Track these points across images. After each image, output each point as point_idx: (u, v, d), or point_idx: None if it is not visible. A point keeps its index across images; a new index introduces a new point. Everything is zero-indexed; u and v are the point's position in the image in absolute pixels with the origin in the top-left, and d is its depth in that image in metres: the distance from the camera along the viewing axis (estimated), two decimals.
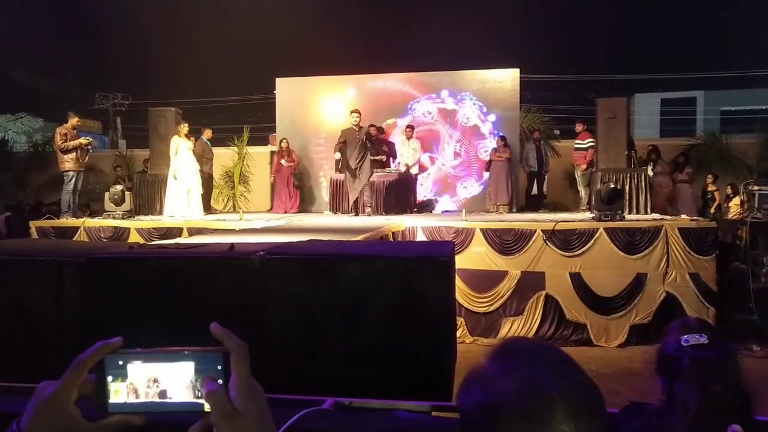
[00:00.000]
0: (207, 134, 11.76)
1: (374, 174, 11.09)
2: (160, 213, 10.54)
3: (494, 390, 0.73)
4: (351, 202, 10.10)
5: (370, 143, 9.95)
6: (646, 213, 9.75)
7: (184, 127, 10.25)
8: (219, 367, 0.68)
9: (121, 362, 0.68)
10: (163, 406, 0.68)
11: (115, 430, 0.69)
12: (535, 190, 12.03)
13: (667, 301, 7.63)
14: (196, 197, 10.15)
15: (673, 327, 1.58)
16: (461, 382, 0.81)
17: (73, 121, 9.61)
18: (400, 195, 10.91)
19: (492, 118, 13.11)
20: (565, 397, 0.71)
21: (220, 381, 0.67)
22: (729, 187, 12.50)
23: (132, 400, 0.68)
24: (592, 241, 7.76)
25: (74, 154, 9.38)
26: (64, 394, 0.67)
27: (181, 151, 10.08)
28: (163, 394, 0.67)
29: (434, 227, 8.15)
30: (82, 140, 9.52)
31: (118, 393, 0.68)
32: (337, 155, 10.14)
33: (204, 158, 11.13)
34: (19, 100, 25.42)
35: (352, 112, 10.21)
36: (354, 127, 9.86)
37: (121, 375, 0.68)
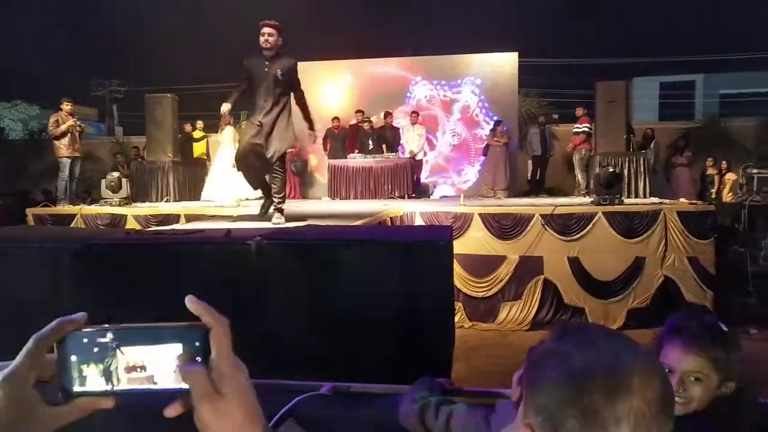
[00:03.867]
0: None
1: (373, 159, 11.08)
2: (158, 200, 10.53)
3: (575, 364, 0.74)
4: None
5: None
6: (644, 197, 9.74)
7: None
8: (197, 344, 0.61)
9: (86, 340, 0.61)
10: (143, 393, 0.61)
11: (80, 414, 0.62)
12: (538, 175, 12.01)
13: (666, 285, 7.64)
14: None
15: (678, 313, 1.54)
16: (529, 361, 0.81)
17: (67, 107, 9.53)
18: (397, 180, 10.89)
19: (489, 103, 13.05)
20: (640, 366, 0.73)
21: (199, 359, 0.60)
22: (724, 162, 12.50)
23: (107, 387, 0.61)
24: (591, 225, 7.75)
25: (67, 140, 9.34)
26: (19, 376, 0.59)
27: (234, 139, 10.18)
28: (149, 379, 0.61)
29: (432, 212, 8.13)
30: (70, 122, 9.43)
31: (86, 377, 0.61)
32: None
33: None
34: (14, 88, 25.25)
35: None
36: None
37: (93, 356, 0.60)
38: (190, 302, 0.62)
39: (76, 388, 0.61)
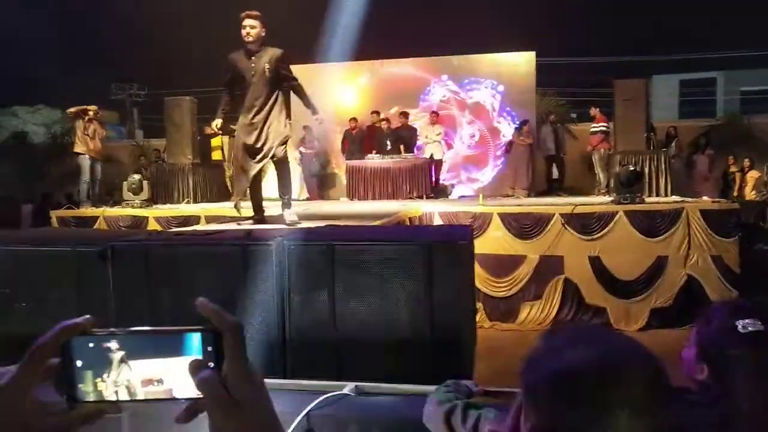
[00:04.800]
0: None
1: (391, 159, 11.08)
2: (178, 201, 10.63)
3: (568, 360, 0.74)
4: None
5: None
6: (666, 195, 9.62)
7: None
8: (209, 349, 0.58)
9: (92, 345, 0.57)
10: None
11: (85, 422, 0.58)
12: (555, 174, 11.93)
13: (689, 284, 7.54)
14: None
15: (719, 310, 1.42)
16: (524, 364, 0.80)
17: (91, 112, 9.71)
18: (415, 180, 10.87)
19: (507, 102, 12.99)
20: (632, 356, 0.74)
21: (212, 364, 0.57)
22: (746, 160, 12.32)
23: (121, 397, 0.58)
24: (612, 224, 7.67)
25: (80, 134, 9.48)
26: (20, 383, 0.56)
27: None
28: (167, 392, 0.58)
29: (451, 212, 8.10)
30: (89, 106, 9.64)
31: (95, 384, 0.57)
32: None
33: None
34: (37, 93, 25.64)
35: None
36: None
37: (101, 363, 0.57)
38: (201, 305, 0.59)
39: (85, 396, 0.58)
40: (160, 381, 0.58)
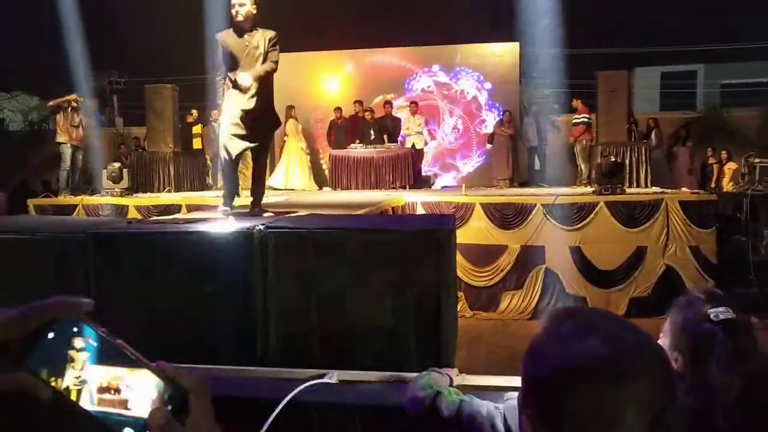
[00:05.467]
0: None
1: (374, 149, 11.07)
2: (159, 190, 10.53)
3: (575, 350, 0.71)
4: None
5: None
6: (646, 186, 9.74)
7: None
8: (175, 402, 0.54)
9: (73, 330, 0.54)
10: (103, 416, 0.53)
11: (13, 388, 0.53)
12: (537, 165, 12.01)
13: (667, 274, 7.65)
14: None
15: (692, 299, 1.42)
16: (527, 352, 0.77)
17: (71, 97, 9.59)
18: (398, 170, 10.87)
19: (490, 93, 13.02)
20: (641, 349, 0.72)
21: (170, 407, 0.53)
22: (723, 152, 12.48)
23: (74, 396, 0.53)
24: (593, 214, 7.75)
25: (61, 123, 9.36)
26: None
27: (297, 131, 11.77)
28: (122, 404, 0.53)
29: (434, 202, 8.12)
30: (69, 96, 9.50)
31: (54, 366, 0.53)
32: None
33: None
34: (14, 79, 25.15)
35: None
36: None
37: (68, 350, 0.53)
38: (160, 368, 0.54)
39: (39, 372, 0.53)
40: (117, 390, 0.54)
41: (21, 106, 24.03)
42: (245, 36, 4.55)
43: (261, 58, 4.60)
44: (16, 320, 0.54)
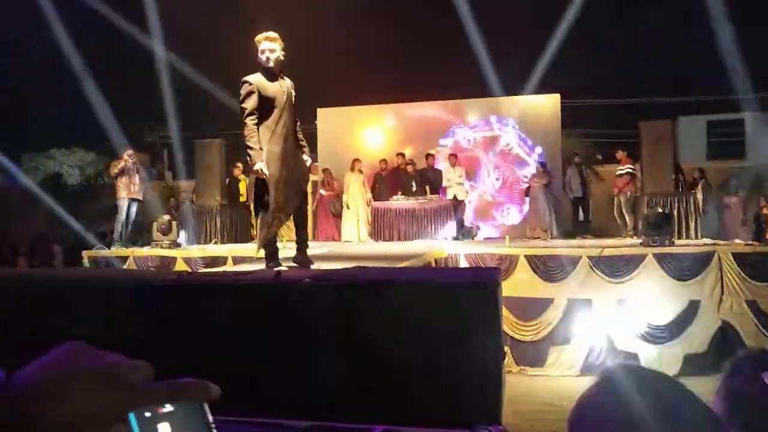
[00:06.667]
0: None
1: (416, 200, 11.13)
2: (206, 242, 10.77)
3: (622, 411, 0.70)
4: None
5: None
6: (696, 238, 9.46)
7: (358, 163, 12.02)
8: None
9: (187, 409, 0.50)
10: None
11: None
12: (580, 216, 11.85)
13: (724, 329, 7.34)
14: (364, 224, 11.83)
15: (745, 361, 1.34)
16: (574, 411, 0.76)
17: (128, 154, 10.07)
18: (440, 221, 10.87)
19: (533, 144, 13.02)
20: (698, 417, 0.70)
21: None
22: None
23: None
24: (641, 267, 7.55)
25: (124, 181, 9.78)
26: (108, 401, 0.46)
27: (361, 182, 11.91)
28: None
29: (477, 254, 8.07)
30: (124, 159, 9.94)
31: None
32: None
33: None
34: (72, 135, 26.52)
35: None
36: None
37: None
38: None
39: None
40: None
41: (78, 161, 25.21)
42: (278, 81, 4.49)
43: (292, 106, 4.56)
44: (161, 394, 0.49)
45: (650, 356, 7.44)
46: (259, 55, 4.48)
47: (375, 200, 11.78)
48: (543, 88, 13.50)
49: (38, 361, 0.48)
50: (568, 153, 13.58)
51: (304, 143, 4.79)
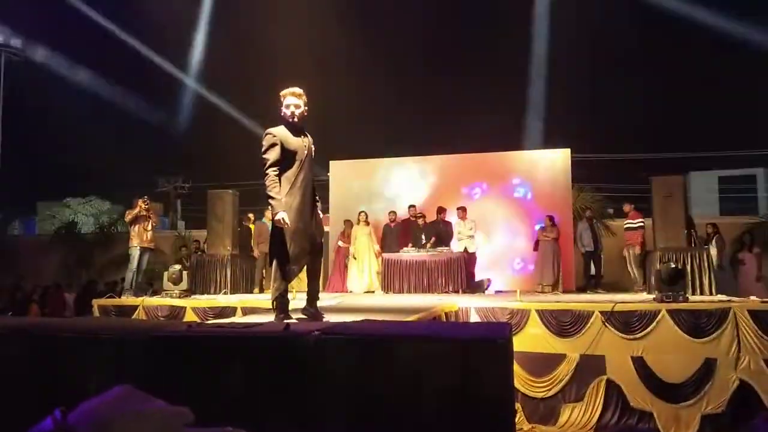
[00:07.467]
0: (267, 216, 12.17)
1: (427, 253, 11.12)
2: (216, 292, 10.76)
3: None
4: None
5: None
6: (710, 294, 9.33)
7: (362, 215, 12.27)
8: None
9: None
10: None
11: None
12: (592, 270, 11.76)
13: (742, 389, 7.14)
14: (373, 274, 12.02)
15: (761, 424, 1.34)
16: None
17: (142, 204, 10.26)
18: (451, 274, 10.83)
19: (542, 198, 13.06)
20: None
21: None
22: None
23: None
24: (655, 323, 7.43)
25: (137, 229, 9.93)
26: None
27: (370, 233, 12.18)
28: None
29: (488, 308, 7.99)
30: (139, 206, 10.11)
31: None
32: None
33: (262, 238, 11.45)
34: (89, 184, 27.01)
35: None
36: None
37: None
38: None
39: None
40: None
41: (93, 210, 25.55)
42: (301, 136, 4.62)
43: (311, 161, 4.69)
44: None
45: (667, 415, 7.24)
46: (284, 109, 4.60)
47: (384, 252, 11.80)
48: (553, 144, 13.66)
49: (91, 402, 0.50)
50: (579, 207, 13.59)
51: (317, 196, 4.88)
